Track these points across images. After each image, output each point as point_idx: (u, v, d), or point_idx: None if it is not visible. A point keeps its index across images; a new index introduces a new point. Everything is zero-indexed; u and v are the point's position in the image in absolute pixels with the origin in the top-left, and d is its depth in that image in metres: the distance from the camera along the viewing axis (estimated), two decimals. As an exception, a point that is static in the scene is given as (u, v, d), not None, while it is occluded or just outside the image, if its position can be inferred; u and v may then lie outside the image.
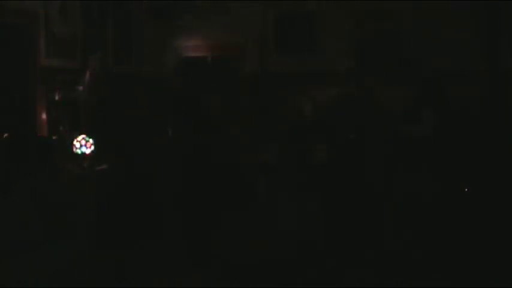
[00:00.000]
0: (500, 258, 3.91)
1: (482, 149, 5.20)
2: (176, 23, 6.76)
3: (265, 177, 5.64)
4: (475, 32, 5.68)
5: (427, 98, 5.69)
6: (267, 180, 5.61)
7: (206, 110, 6.39)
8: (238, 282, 3.70)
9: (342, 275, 3.80)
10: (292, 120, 6.17)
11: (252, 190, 5.54)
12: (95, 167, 4.71)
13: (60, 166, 4.40)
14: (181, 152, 5.75)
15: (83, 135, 4.76)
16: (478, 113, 5.52)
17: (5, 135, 4.22)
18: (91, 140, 4.76)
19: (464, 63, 5.65)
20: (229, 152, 5.79)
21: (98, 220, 4.38)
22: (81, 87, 5.41)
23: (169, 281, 3.69)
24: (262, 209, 5.25)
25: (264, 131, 6.06)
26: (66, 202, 4.08)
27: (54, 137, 4.88)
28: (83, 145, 4.73)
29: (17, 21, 4.77)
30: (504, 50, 5.59)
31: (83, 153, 4.69)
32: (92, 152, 4.74)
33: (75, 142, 4.73)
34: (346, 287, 3.64)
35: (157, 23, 6.83)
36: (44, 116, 5.04)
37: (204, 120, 6.19)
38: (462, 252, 4.08)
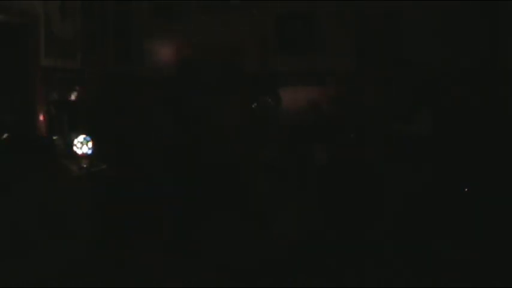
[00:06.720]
0: (500, 258, 3.91)
1: (481, 148, 5.19)
2: (176, 23, 6.75)
3: (265, 177, 5.63)
4: (475, 32, 5.68)
5: (425, 98, 5.69)
6: (267, 179, 5.61)
7: (206, 110, 6.38)
8: (237, 282, 3.70)
9: (342, 275, 3.81)
10: (292, 119, 6.17)
11: (252, 190, 5.54)
12: (95, 167, 4.71)
13: (60, 166, 4.40)
14: (181, 152, 5.75)
15: (83, 135, 4.76)
16: (477, 112, 5.52)
17: (5, 135, 4.22)
18: (91, 140, 4.76)
19: (463, 63, 5.64)
20: (229, 151, 5.79)
21: (97, 220, 4.38)
22: (81, 87, 5.41)
23: (169, 281, 3.70)
24: (262, 208, 5.25)
25: (264, 130, 6.06)
26: (66, 202, 4.08)
27: (54, 137, 4.88)
28: (83, 145, 4.73)
29: (17, 21, 4.77)
30: (504, 50, 5.59)
31: (83, 153, 4.69)
32: (92, 152, 4.74)
33: (75, 142, 4.73)
34: (346, 287, 3.65)
35: (157, 23, 6.82)
36: (44, 116, 5.04)
37: (204, 120, 6.19)
38: (461, 252, 4.08)
